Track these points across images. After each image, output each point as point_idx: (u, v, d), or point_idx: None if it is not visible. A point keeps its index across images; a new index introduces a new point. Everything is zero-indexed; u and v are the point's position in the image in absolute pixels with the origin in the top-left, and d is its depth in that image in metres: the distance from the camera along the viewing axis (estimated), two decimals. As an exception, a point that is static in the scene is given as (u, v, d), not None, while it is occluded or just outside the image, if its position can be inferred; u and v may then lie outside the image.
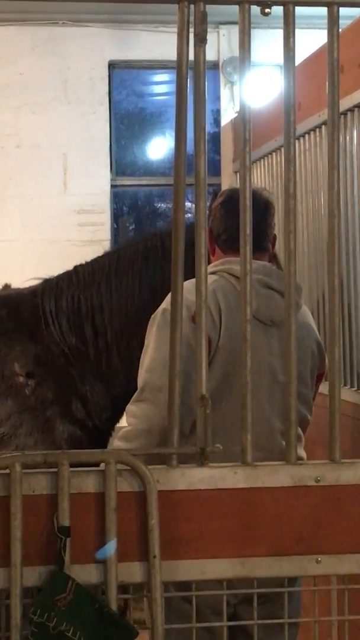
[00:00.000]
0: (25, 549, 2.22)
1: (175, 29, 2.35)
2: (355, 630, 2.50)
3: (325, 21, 2.42)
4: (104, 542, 2.26)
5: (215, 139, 7.33)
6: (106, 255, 4.47)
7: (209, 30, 2.34)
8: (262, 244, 3.29)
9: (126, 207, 9.11)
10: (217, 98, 8.69)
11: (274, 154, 5.02)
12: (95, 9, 8.10)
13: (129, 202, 9.14)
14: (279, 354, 3.16)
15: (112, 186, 8.73)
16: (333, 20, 2.42)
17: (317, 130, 4.31)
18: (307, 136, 4.42)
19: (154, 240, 4.36)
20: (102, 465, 2.29)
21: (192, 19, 2.33)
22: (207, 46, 2.35)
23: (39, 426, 4.19)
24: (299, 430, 3.16)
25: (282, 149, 2.53)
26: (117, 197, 8.93)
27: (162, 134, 9.06)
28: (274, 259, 3.48)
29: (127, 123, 9.00)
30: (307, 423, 3.37)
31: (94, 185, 8.57)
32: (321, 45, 3.68)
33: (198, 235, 2.38)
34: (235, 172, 5.72)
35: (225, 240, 3.33)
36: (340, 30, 2.45)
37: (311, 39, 4.03)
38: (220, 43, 8.50)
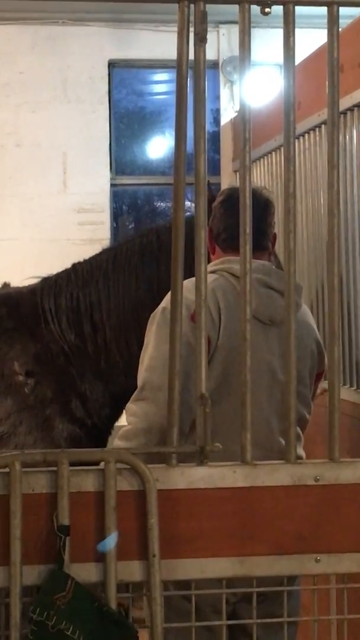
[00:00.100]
0: (24, 548, 2.22)
1: (175, 28, 2.35)
2: (354, 629, 2.50)
3: (325, 21, 2.42)
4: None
5: (215, 138, 7.33)
6: (104, 252, 4.49)
7: (208, 29, 2.34)
8: (262, 243, 3.29)
9: (126, 206, 9.11)
10: (217, 97, 8.68)
11: (273, 153, 5.02)
12: (95, 8, 8.10)
13: (129, 201, 9.14)
14: (278, 353, 3.16)
15: (112, 185, 8.73)
16: (333, 20, 2.42)
17: (317, 129, 4.31)
18: (306, 135, 4.42)
19: (150, 235, 4.38)
20: (102, 464, 2.30)
21: (192, 18, 2.33)
22: (207, 45, 2.35)
23: (38, 425, 4.20)
24: (298, 429, 3.16)
25: (282, 148, 2.53)
26: (117, 196, 8.93)
27: (161, 133, 9.06)
28: (274, 257, 3.48)
29: (127, 122, 9.00)
30: (306, 422, 3.37)
31: (94, 184, 8.57)
32: (321, 45, 3.68)
33: (198, 234, 2.38)
34: (235, 171, 5.72)
35: (225, 239, 3.33)
36: (340, 29, 2.45)
37: (311, 39, 4.03)
38: (220, 42, 8.50)
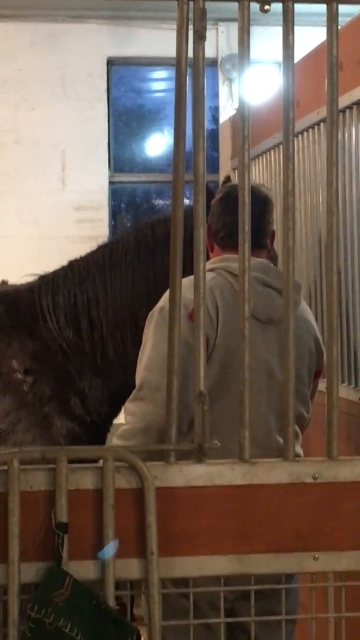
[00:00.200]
0: (22, 545, 2.22)
1: (174, 26, 2.35)
2: (352, 627, 2.50)
3: (325, 18, 2.42)
4: (101, 539, 2.26)
5: (214, 136, 7.33)
6: (99, 248, 4.50)
7: (207, 27, 2.34)
8: (261, 240, 3.29)
9: (124, 204, 9.12)
10: (216, 95, 8.69)
11: (272, 151, 5.02)
12: (94, 5, 8.11)
13: (127, 198, 9.15)
14: (276, 352, 3.16)
15: (111, 183, 8.74)
16: (332, 18, 2.42)
17: (316, 127, 4.31)
18: (305, 133, 4.42)
19: (145, 230, 4.40)
20: (100, 462, 2.30)
21: (191, 15, 2.33)
22: (206, 43, 2.34)
23: (37, 422, 4.20)
24: (297, 427, 3.16)
25: (281, 146, 2.53)
26: (115, 193, 8.93)
27: (160, 131, 9.07)
28: (272, 254, 3.47)
29: (126, 120, 9.00)
30: (304, 421, 3.37)
31: (92, 182, 8.57)
32: (320, 43, 3.68)
33: (197, 232, 2.37)
34: (234, 169, 5.72)
35: (224, 237, 3.33)
36: (339, 27, 2.45)
37: (310, 36, 4.03)
38: (219, 40, 8.51)
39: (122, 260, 4.35)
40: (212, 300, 3.12)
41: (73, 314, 4.35)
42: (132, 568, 2.30)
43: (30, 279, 4.58)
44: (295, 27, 2.41)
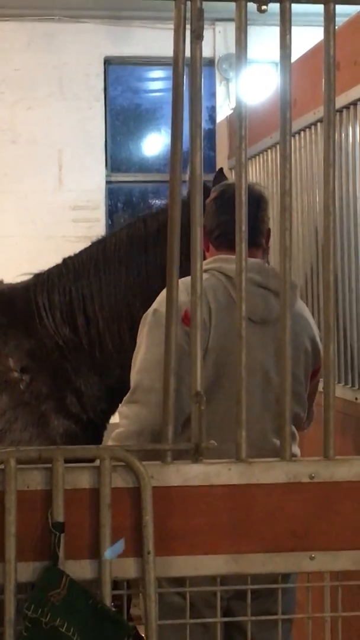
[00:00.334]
0: (19, 545, 2.22)
1: (172, 26, 2.35)
2: (348, 627, 2.51)
3: (322, 18, 2.42)
4: (98, 538, 2.26)
5: (211, 135, 7.33)
6: (93, 245, 4.52)
7: (205, 27, 2.34)
8: (256, 239, 3.28)
9: (121, 204, 9.11)
10: (213, 95, 8.68)
11: (269, 150, 5.02)
12: (91, 4, 8.10)
13: (124, 198, 9.14)
14: (271, 352, 3.15)
15: (107, 182, 8.73)
16: (329, 18, 2.42)
17: (313, 127, 4.31)
18: (302, 133, 4.42)
19: (138, 224, 4.42)
20: (97, 461, 2.30)
21: (188, 15, 2.33)
22: (203, 43, 2.35)
23: (33, 421, 4.20)
24: (293, 427, 3.15)
25: (278, 146, 2.54)
26: (112, 193, 8.92)
27: (157, 131, 9.06)
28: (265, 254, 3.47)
29: (123, 119, 8.99)
30: (300, 420, 3.37)
31: (89, 181, 8.57)
32: (317, 43, 3.69)
33: (194, 232, 2.38)
34: (231, 169, 5.72)
35: (218, 236, 3.32)
36: (336, 27, 2.45)
37: (307, 36, 4.03)
38: (216, 40, 8.50)
39: (116, 254, 4.37)
40: (205, 302, 3.11)
41: (69, 311, 4.36)
42: (128, 567, 2.30)
43: (25, 278, 4.59)
44: (293, 27, 2.41)
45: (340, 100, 3.71)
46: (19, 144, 8.46)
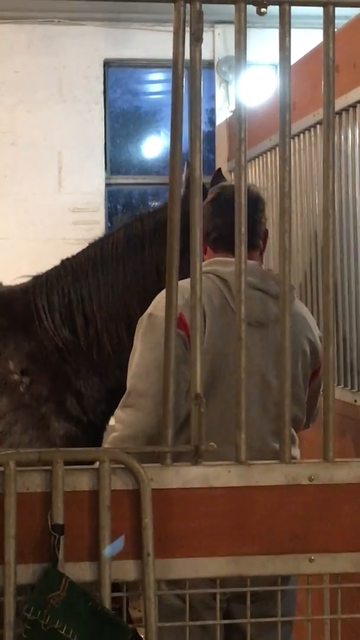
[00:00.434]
0: (19, 547, 2.22)
1: (171, 28, 2.35)
2: (348, 629, 2.51)
3: (321, 21, 2.42)
4: (98, 540, 2.26)
5: (210, 138, 7.33)
6: (91, 245, 4.53)
7: (204, 29, 2.34)
8: (252, 241, 3.27)
9: (120, 206, 9.11)
10: (212, 97, 8.69)
11: (269, 153, 5.02)
12: (91, 7, 8.09)
13: (124, 200, 9.14)
14: (268, 355, 3.15)
15: (107, 185, 8.73)
16: (329, 20, 2.42)
17: (312, 129, 4.31)
18: (302, 135, 4.42)
19: (135, 223, 4.43)
20: (97, 464, 2.30)
21: (188, 17, 2.34)
22: (203, 45, 2.35)
23: (34, 423, 4.20)
24: (292, 430, 3.15)
25: (277, 148, 2.54)
26: (112, 195, 8.92)
27: (157, 133, 9.06)
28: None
29: (122, 122, 8.99)
30: (299, 422, 3.36)
31: (89, 184, 8.57)
32: (317, 45, 3.68)
33: (193, 234, 2.38)
34: (230, 171, 5.72)
35: (215, 239, 3.32)
36: (335, 30, 2.45)
37: (307, 39, 4.03)
38: (216, 42, 8.50)
39: (113, 254, 4.39)
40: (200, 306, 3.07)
41: (68, 312, 4.37)
42: (128, 569, 2.30)
43: (24, 280, 4.59)
44: (292, 30, 2.41)
45: (340, 103, 3.71)
46: (19, 147, 8.46)
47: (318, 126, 4.18)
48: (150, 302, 3.25)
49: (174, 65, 2.34)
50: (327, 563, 2.40)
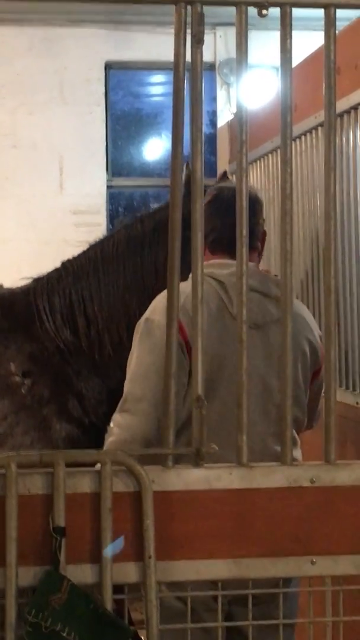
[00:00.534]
0: (20, 549, 2.22)
1: (172, 30, 2.35)
2: (349, 632, 2.50)
3: (322, 23, 2.42)
4: (99, 542, 2.26)
5: (212, 140, 7.33)
6: (92, 247, 4.54)
7: (205, 31, 2.34)
8: (251, 242, 3.25)
9: (122, 208, 9.12)
10: (214, 99, 8.69)
11: (270, 155, 5.03)
12: (92, 9, 8.11)
13: (125, 203, 9.15)
14: (266, 356, 3.14)
15: (108, 187, 8.74)
16: (330, 22, 2.42)
17: (314, 131, 4.32)
18: (303, 137, 4.43)
19: (135, 223, 4.44)
20: (98, 466, 2.30)
21: (189, 20, 2.34)
22: (204, 47, 2.35)
23: (35, 425, 4.21)
24: (294, 432, 3.14)
25: (279, 151, 2.54)
26: (113, 197, 8.93)
27: (158, 135, 9.07)
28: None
29: (124, 124, 9.00)
30: (300, 424, 3.35)
31: (90, 186, 8.57)
32: (318, 47, 3.68)
33: (194, 237, 2.38)
34: (232, 173, 5.72)
35: (213, 240, 3.30)
36: (337, 32, 2.45)
37: (308, 41, 4.03)
38: (217, 44, 8.51)
39: (114, 255, 4.40)
40: None
41: (69, 314, 4.38)
42: (129, 572, 2.30)
43: (25, 282, 4.60)
44: (293, 32, 2.41)
45: (341, 105, 3.71)
46: (20, 149, 8.47)
47: (319, 128, 4.19)
48: (150, 302, 3.25)
49: (175, 68, 2.34)
50: (329, 565, 2.39)
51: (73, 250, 4.71)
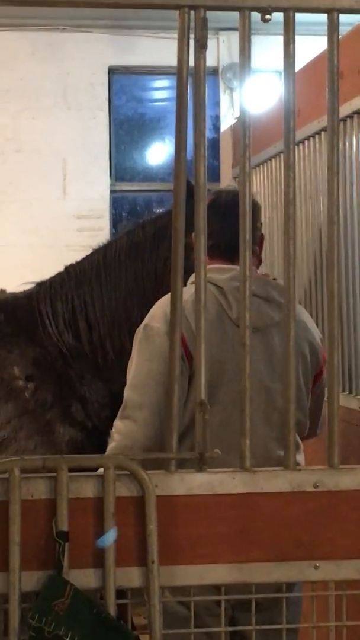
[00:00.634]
0: (23, 554, 2.22)
1: (175, 35, 2.35)
2: (353, 636, 2.50)
3: (325, 28, 2.42)
4: (102, 547, 2.26)
5: (215, 144, 7.34)
6: (94, 252, 4.56)
7: (208, 36, 2.34)
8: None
9: (125, 213, 9.12)
10: (217, 104, 8.70)
11: (273, 159, 5.03)
12: (95, 14, 8.11)
13: (128, 207, 9.15)
14: (264, 360, 3.14)
15: (112, 191, 8.75)
16: (333, 27, 2.42)
17: (317, 136, 4.32)
18: (306, 142, 4.43)
19: (137, 230, 4.46)
20: (101, 470, 2.30)
21: (192, 24, 2.34)
22: (207, 52, 2.35)
23: (39, 429, 4.21)
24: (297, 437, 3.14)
25: (282, 155, 2.54)
26: (116, 202, 8.94)
27: (161, 140, 9.07)
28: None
29: (127, 128, 9.01)
30: (303, 427, 3.35)
31: (93, 191, 8.58)
32: (321, 52, 3.68)
33: (197, 242, 2.38)
34: (235, 178, 5.72)
35: (211, 246, 3.28)
36: (340, 36, 2.45)
37: (311, 46, 4.03)
38: (220, 49, 8.52)
39: (116, 261, 4.42)
40: (194, 314, 3.00)
41: (72, 318, 4.39)
42: (132, 576, 2.30)
43: (28, 287, 4.61)
44: (296, 36, 2.41)
45: (344, 110, 3.72)
46: (24, 153, 8.48)
47: (322, 133, 4.19)
48: (151, 308, 3.25)
49: (179, 72, 2.34)
50: (332, 570, 2.39)
51: (76, 254, 4.72)
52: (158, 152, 9.08)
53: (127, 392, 3.16)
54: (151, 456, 2.77)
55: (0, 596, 2.26)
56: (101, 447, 4.30)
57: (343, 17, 2.42)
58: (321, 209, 4.32)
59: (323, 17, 2.42)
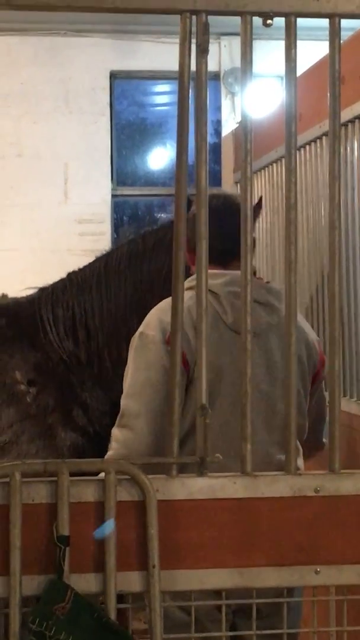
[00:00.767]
0: (24, 558, 2.22)
1: (177, 40, 2.35)
2: (354, 641, 2.50)
3: (327, 33, 2.43)
4: (103, 552, 2.26)
5: (216, 149, 7.35)
6: (97, 260, 4.57)
7: (210, 41, 2.35)
8: (239, 251, 3.24)
9: (126, 217, 9.13)
10: (218, 109, 8.71)
11: (274, 164, 5.03)
12: (97, 19, 8.13)
13: (130, 212, 9.16)
14: (259, 364, 3.13)
15: (113, 196, 8.76)
16: (334, 32, 2.42)
17: (318, 141, 4.32)
18: (308, 147, 4.43)
19: (137, 239, 4.47)
20: (102, 475, 2.30)
21: (194, 29, 2.34)
22: (209, 57, 2.35)
23: (40, 433, 4.21)
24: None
25: (283, 160, 2.54)
26: (118, 206, 8.95)
27: (162, 144, 9.08)
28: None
29: (128, 133, 9.02)
30: (303, 430, 3.33)
31: (95, 195, 8.59)
32: (322, 57, 3.69)
33: (199, 247, 2.38)
34: (236, 183, 5.73)
35: None
36: (341, 41, 2.45)
37: (312, 51, 4.04)
38: (222, 54, 8.53)
39: (116, 270, 4.43)
40: (190, 321, 2.90)
41: (72, 325, 4.40)
42: (133, 581, 2.30)
43: (30, 292, 4.62)
44: (298, 41, 2.41)
45: (346, 114, 3.72)
46: (25, 158, 8.49)
47: (324, 137, 4.19)
48: None
49: (180, 77, 2.34)
50: (333, 575, 2.39)
51: (78, 259, 4.73)
52: (159, 157, 9.09)
53: (124, 401, 3.16)
54: (152, 460, 2.77)
55: (0, 600, 2.26)
56: (102, 452, 4.28)
57: (344, 22, 2.42)
58: (322, 214, 4.32)
59: (324, 22, 2.43)
